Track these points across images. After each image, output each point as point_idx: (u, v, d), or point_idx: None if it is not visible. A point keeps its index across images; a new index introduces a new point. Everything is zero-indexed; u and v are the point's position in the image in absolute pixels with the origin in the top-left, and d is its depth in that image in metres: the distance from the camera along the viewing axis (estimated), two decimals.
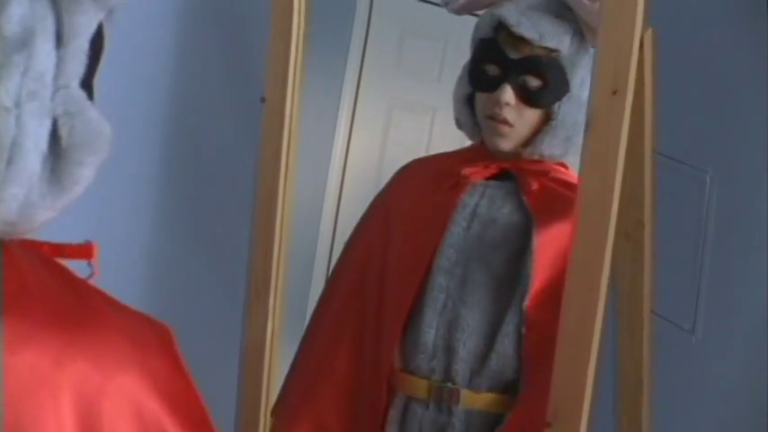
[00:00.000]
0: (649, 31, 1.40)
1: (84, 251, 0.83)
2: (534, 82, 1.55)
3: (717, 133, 1.78)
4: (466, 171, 1.64)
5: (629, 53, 1.36)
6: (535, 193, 1.59)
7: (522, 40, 1.55)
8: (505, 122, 1.57)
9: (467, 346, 1.56)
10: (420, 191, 1.68)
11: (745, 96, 1.75)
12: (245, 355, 1.60)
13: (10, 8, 0.70)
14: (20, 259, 0.78)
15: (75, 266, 0.87)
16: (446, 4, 1.65)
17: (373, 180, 2.29)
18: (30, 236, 0.80)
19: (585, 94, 1.52)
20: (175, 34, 1.81)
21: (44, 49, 0.73)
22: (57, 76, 0.74)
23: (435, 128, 2.57)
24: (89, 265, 0.84)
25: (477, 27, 1.64)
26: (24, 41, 0.71)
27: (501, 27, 1.58)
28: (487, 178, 1.64)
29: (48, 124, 0.74)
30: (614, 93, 1.36)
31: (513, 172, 1.63)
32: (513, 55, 1.56)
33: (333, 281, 1.77)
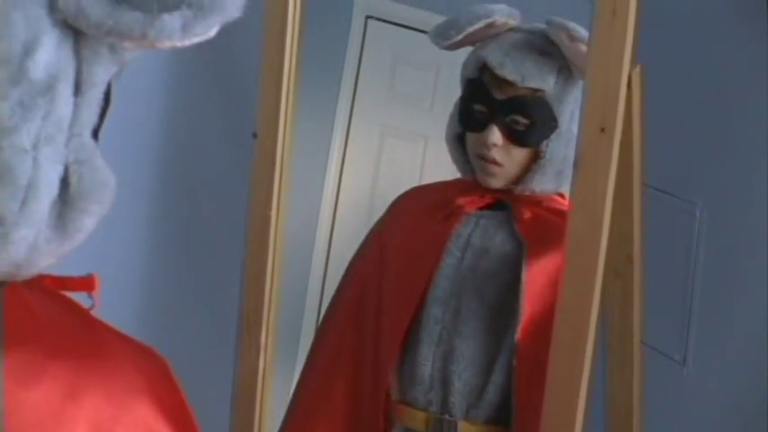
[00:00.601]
0: (637, 69, 1.41)
1: (86, 284, 0.84)
2: (521, 121, 1.56)
3: (706, 165, 1.79)
4: (460, 201, 1.65)
5: (617, 91, 1.37)
6: (527, 221, 1.60)
7: (506, 81, 1.56)
8: (494, 162, 1.58)
9: (463, 378, 1.56)
10: (415, 221, 1.69)
11: (733, 127, 1.76)
12: (236, 390, 1.60)
13: (38, 54, 0.72)
14: (24, 295, 0.79)
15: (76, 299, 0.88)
16: (436, 42, 1.66)
17: (365, 210, 2.30)
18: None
19: (575, 127, 1.53)
20: (168, 70, 1.82)
21: (65, 95, 0.75)
22: (72, 124, 0.76)
23: (427, 156, 2.57)
24: (89, 297, 0.85)
25: (464, 66, 1.65)
26: (49, 86, 0.73)
27: (486, 67, 1.59)
28: (482, 208, 1.65)
29: (60, 170, 0.76)
30: (602, 130, 1.37)
31: (506, 201, 1.64)
32: (499, 96, 1.57)
33: (330, 313, 1.77)
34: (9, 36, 0.71)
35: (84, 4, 0.72)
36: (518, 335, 1.53)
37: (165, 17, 0.72)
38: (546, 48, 1.57)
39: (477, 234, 1.62)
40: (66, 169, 0.76)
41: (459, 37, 1.60)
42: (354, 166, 2.53)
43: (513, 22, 1.62)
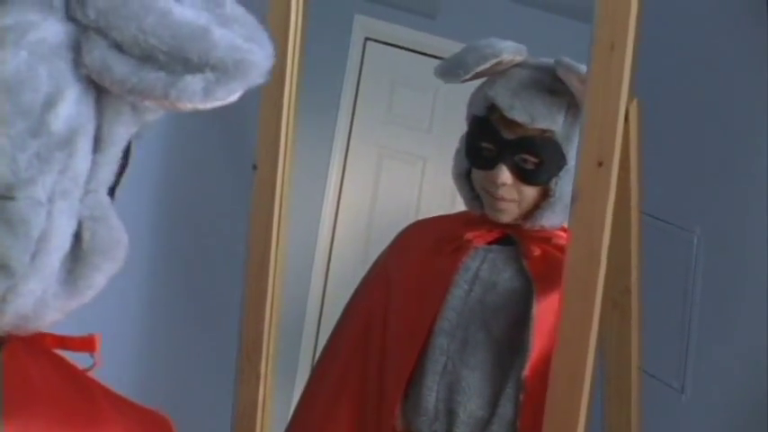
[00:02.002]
0: (634, 103, 1.41)
1: (86, 344, 0.83)
2: (530, 160, 1.56)
3: (703, 192, 1.80)
4: (468, 235, 1.65)
5: (615, 125, 1.38)
6: (537, 259, 1.60)
7: (515, 122, 1.56)
8: (503, 200, 1.59)
9: (467, 410, 1.56)
10: (422, 253, 1.69)
11: (731, 154, 1.77)
12: (236, 420, 1.60)
13: (59, 107, 0.72)
14: (22, 356, 0.78)
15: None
16: (443, 80, 1.64)
17: (363, 232, 2.30)
18: None
19: None
20: None
21: (83, 151, 0.75)
22: (89, 180, 0.76)
23: (426, 177, 2.58)
24: (91, 356, 0.85)
25: (470, 103, 1.64)
26: (68, 140, 0.73)
27: (494, 107, 1.58)
28: (489, 243, 1.66)
29: (73, 225, 0.75)
30: (600, 164, 1.38)
31: (515, 237, 1.64)
32: (508, 135, 1.57)
33: (333, 343, 1.77)
34: (32, 88, 0.71)
35: (109, 61, 0.73)
36: (526, 371, 1.53)
37: (188, 78, 0.72)
38: (554, 86, 1.56)
39: (485, 268, 1.63)
40: (80, 225, 0.76)
41: (467, 76, 1.59)
42: (353, 187, 2.54)
43: (519, 59, 1.61)
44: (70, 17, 0.74)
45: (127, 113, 0.77)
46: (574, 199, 1.39)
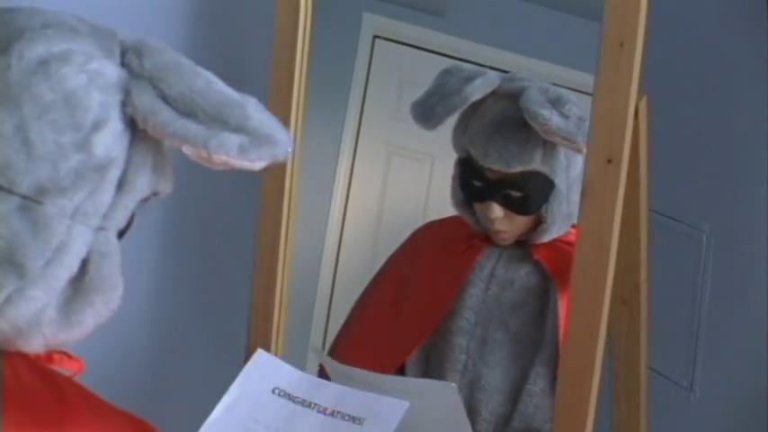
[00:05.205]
0: (644, 100, 1.41)
1: (74, 365, 0.86)
2: (517, 194, 1.58)
3: (713, 191, 1.79)
4: (481, 235, 1.67)
5: (624, 122, 1.37)
6: (551, 257, 1.61)
7: None
8: (500, 232, 1.61)
9: (489, 407, 1.58)
10: (435, 253, 1.72)
11: (740, 153, 1.77)
12: None
13: (103, 133, 0.79)
14: (20, 368, 0.79)
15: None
16: (417, 123, 1.66)
17: (372, 229, 2.30)
18: None
19: (574, 172, 1.53)
20: None
21: (111, 183, 0.80)
22: (106, 216, 0.81)
23: (434, 175, 2.58)
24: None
25: (452, 142, 1.67)
26: (103, 167, 0.79)
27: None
28: None
29: (84, 253, 0.80)
30: (609, 161, 1.38)
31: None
32: (491, 176, 1.59)
33: (342, 338, 1.80)
34: (85, 108, 0.78)
35: (156, 107, 0.80)
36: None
37: (227, 134, 0.80)
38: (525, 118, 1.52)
39: (501, 266, 1.64)
40: (88, 257, 0.80)
41: (440, 123, 1.64)
42: (361, 184, 2.54)
43: (490, 90, 1.61)
44: (124, 65, 0.82)
45: (149, 167, 0.84)
46: (583, 195, 1.39)
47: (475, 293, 1.62)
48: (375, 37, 2.52)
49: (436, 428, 1.38)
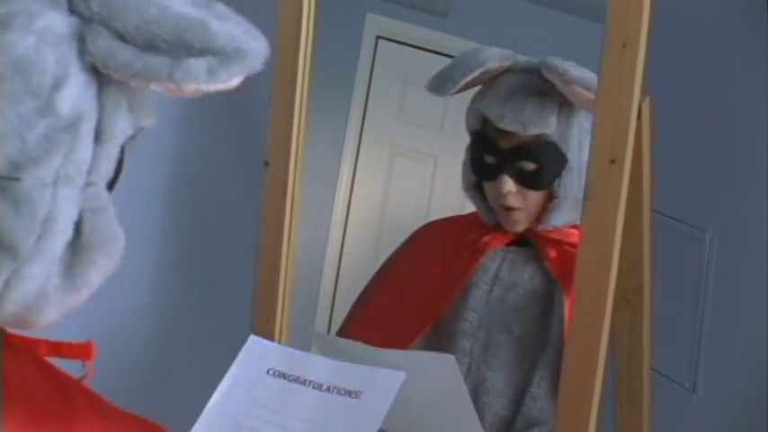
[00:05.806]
0: (647, 100, 1.41)
1: (83, 352, 0.84)
2: (530, 166, 1.58)
3: (716, 192, 1.79)
4: (485, 238, 1.67)
5: (627, 123, 1.37)
6: (556, 259, 1.61)
7: (508, 131, 1.58)
8: (512, 209, 1.60)
9: (492, 410, 1.58)
10: (437, 255, 1.72)
11: (743, 153, 1.77)
12: None
13: (66, 90, 0.75)
14: (22, 366, 0.79)
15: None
16: (435, 94, 1.67)
17: (375, 230, 2.30)
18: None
19: (585, 154, 1.53)
20: (180, 100, 1.82)
21: (86, 138, 0.77)
22: (90, 171, 0.78)
23: (437, 176, 2.58)
24: (83, 365, 0.85)
25: (466, 118, 1.67)
26: (73, 124, 0.75)
27: (487, 119, 1.60)
28: (506, 244, 1.67)
29: (75, 214, 0.77)
30: (612, 162, 1.38)
31: (530, 239, 1.66)
32: (504, 145, 1.59)
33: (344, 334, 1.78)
34: (40, 70, 0.74)
35: (113, 49, 0.75)
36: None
37: (192, 61, 0.76)
38: (543, 87, 1.57)
39: (505, 268, 1.64)
40: (81, 216, 0.77)
41: (456, 89, 1.62)
42: (364, 185, 2.53)
43: (507, 64, 1.62)
44: (73, 11, 0.77)
45: (125, 109, 0.80)
46: (586, 196, 1.39)
47: (478, 295, 1.62)
48: (378, 37, 2.52)
49: (436, 401, 1.38)
